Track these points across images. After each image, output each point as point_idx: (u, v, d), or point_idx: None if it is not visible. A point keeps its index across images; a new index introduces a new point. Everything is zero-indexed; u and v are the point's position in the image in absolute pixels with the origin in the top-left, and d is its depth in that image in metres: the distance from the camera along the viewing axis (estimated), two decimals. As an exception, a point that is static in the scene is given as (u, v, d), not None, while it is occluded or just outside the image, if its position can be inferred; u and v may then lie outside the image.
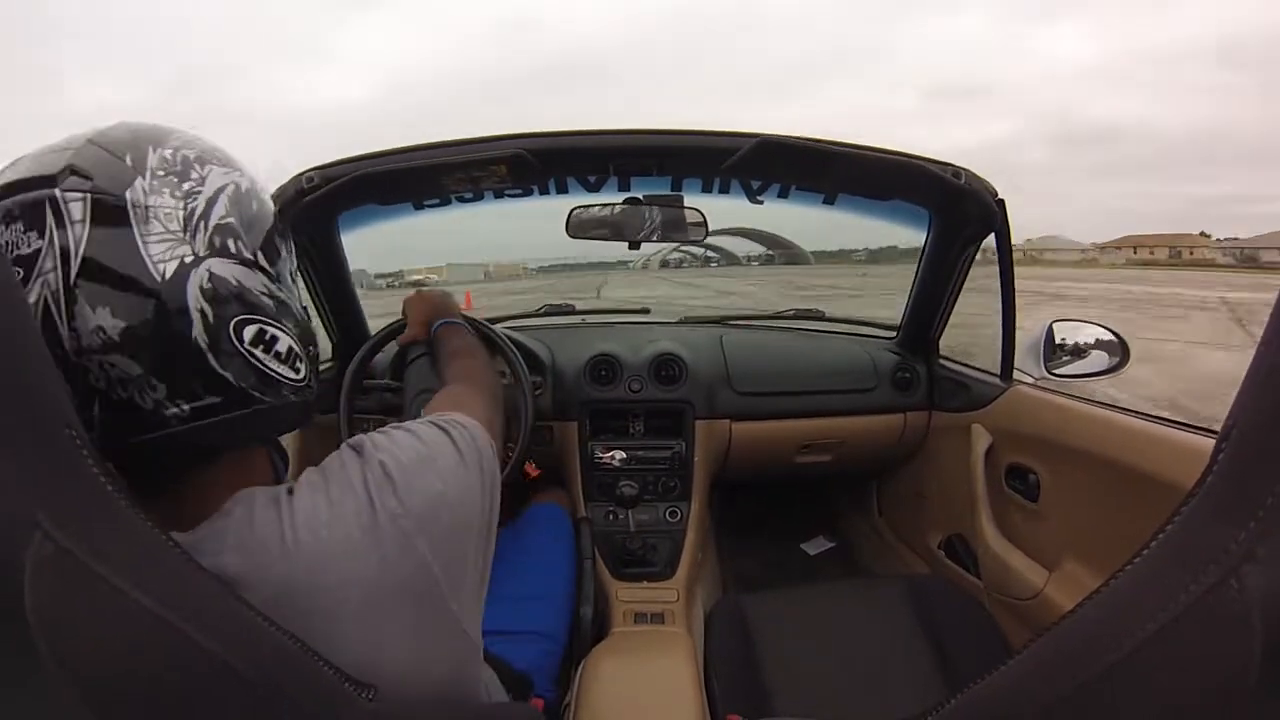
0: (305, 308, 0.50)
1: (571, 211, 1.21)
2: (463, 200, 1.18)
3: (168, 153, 0.41)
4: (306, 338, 0.47)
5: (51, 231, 0.36)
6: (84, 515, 0.29)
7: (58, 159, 0.38)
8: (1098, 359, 1.15)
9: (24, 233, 0.36)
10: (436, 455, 0.47)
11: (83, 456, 0.29)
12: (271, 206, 0.47)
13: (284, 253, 0.47)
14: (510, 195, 1.17)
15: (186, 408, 0.39)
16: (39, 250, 0.35)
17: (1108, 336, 1.16)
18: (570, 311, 1.82)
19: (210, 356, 0.39)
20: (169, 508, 0.40)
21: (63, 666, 0.29)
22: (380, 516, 0.42)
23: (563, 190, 1.17)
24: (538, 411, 1.18)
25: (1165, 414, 0.96)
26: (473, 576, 0.48)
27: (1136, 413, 0.96)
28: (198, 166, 0.42)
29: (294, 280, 0.49)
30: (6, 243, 0.36)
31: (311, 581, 0.39)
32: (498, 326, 1.20)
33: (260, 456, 0.48)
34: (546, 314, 1.76)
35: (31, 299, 0.35)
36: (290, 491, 0.42)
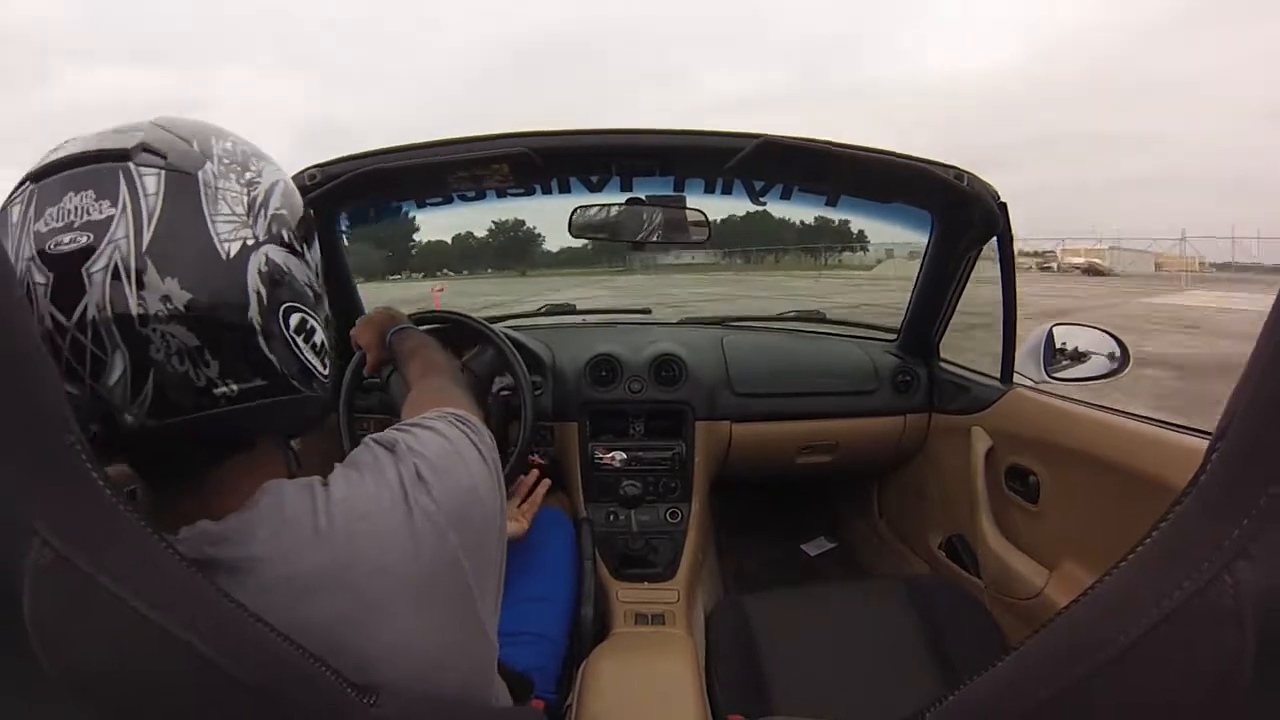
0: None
1: (574, 211, 1.21)
2: (465, 199, 1.18)
3: (228, 144, 0.43)
4: (330, 335, 0.49)
5: (125, 200, 0.37)
6: (84, 523, 0.29)
7: (128, 137, 0.39)
8: (1098, 363, 1.15)
9: (95, 200, 0.37)
10: (461, 452, 0.48)
11: (84, 464, 0.29)
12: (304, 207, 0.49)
13: (317, 251, 0.49)
14: (513, 194, 1.18)
15: (235, 388, 0.40)
16: (111, 217, 0.36)
17: (1108, 340, 1.16)
18: (571, 311, 1.82)
19: (261, 338, 0.41)
20: (196, 500, 0.41)
21: (62, 674, 0.29)
22: (415, 513, 0.42)
23: (565, 190, 1.17)
24: (537, 412, 1.19)
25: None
26: (494, 576, 0.49)
27: (1135, 415, 0.96)
28: (255, 160, 0.44)
29: (321, 280, 0.50)
30: (75, 208, 0.37)
31: (344, 570, 0.40)
32: (497, 326, 1.20)
33: (278, 454, 0.48)
34: (547, 314, 1.76)
35: (101, 264, 0.36)
36: (324, 482, 0.43)
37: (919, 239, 1.28)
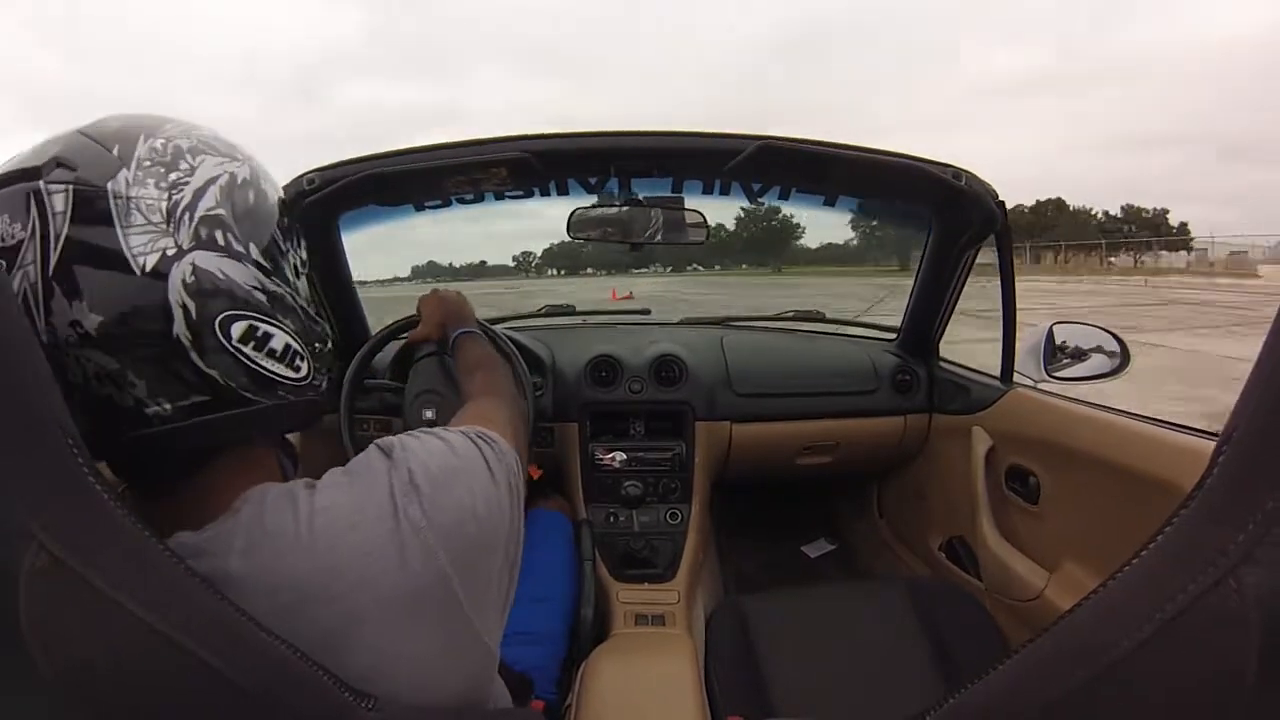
0: (311, 304, 0.48)
1: (573, 212, 1.21)
2: (463, 202, 1.18)
3: (158, 143, 0.40)
4: (310, 335, 0.46)
5: (35, 224, 0.35)
6: (79, 525, 0.29)
7: (46, 150, 0.38)
8: (1098, 362, 1.15)
9: (9, 225, 0.36)
10: (468, 469, 0.46)
11: (79, 465, 0.29)
12: (274, 198, 0.45)
13: (287, 247, 0.45)
14: (511, 196, 1.18)
15: (169, 407, 0.38)
16: (21, 242, 0.35)
17: (1108, 339, 1.16)
18: (571, 312, 1.82)
19: (194, 354, 0.38)
20: (175, 508, 0.40)
21: (58, 676, 0.29)
22: (403, 525, 0.40)
23: (563, 192, 1.18)
24: (538, 412, 1.18)
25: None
26: (496, 593, 0.47)
27: (1136, 415, 0.96)
28: (189, 157, 0.40)
29: (299, 275, 0.47)
30: None
31: (327, 581, 0.38)
32: (498, 327, 1.20)
33: (267, 456, 0.47)
34: (547, 314, 1.76)
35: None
36: (309, 487, 0.42)
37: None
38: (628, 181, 1.15)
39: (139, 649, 0.29)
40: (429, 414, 1.04)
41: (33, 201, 0.36)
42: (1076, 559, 1.00)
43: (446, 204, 1.19)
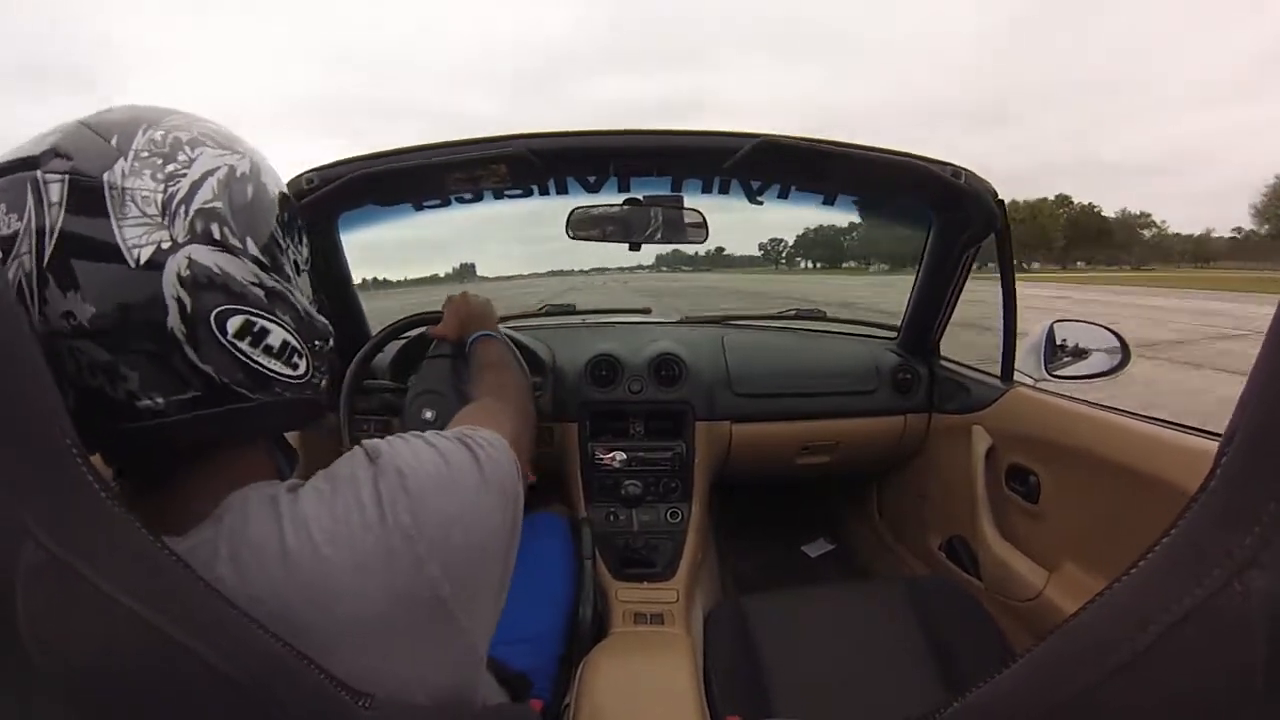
0: (313, 302, 0.48)
1: (572, 212, 1.21)
2: (462, 200, 1.18)
3: (158, 134, 0.40)
4: (310, 333, 0.46)
5: (30, 213, 0.35)
6: (75, 521, 0.29)
7: (45, 140, 0.38)
8: (1099, 360, 1.15)
9: (5, 214, 0.36)
10: (458, 475, 0.44)
11: (77, 463, 0.29)
12: (274, 193, 0.45)
13: (287, 243, 0.45)
14: (510, 195, 1.18)
15: (161, 401, 0.38)
16: (17, 232, 0.35)
17: (1109, 337, 1.16)
18: (571, 311, 1.82)
19: (188, 348, 0.38)
20: (161, 507, 0.39)
21: (56, 673, 0.29)
22: (392, 535, 0.39)
23: (562, 191, 1.17)
24: (538, 412, 1.18)
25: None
26: (488, 597, 0.46)
27: (1137, 415, 0.96)
28: (188, 148, 0.40)
29: (300, 272, 0.46)
30: None
31: (307, 595, 0.37)
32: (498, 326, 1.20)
33: (261, 455, 0.46)
34: (547, 314, 1.76)
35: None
36: (291, 490, 0.41)
37: None
38: (627, 180, 1.15)
39: (136, 644, 0.29)
40: (429, 414, 1.04)
41: (29, 191, 0.36)
42: (1077, 559, 1.00)
43: (446, 203, 1.18)
